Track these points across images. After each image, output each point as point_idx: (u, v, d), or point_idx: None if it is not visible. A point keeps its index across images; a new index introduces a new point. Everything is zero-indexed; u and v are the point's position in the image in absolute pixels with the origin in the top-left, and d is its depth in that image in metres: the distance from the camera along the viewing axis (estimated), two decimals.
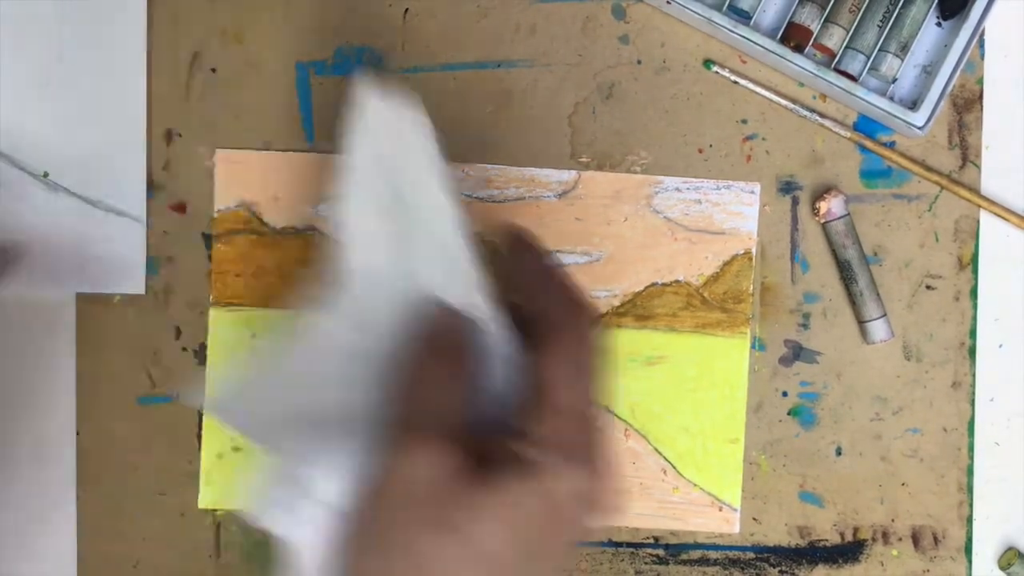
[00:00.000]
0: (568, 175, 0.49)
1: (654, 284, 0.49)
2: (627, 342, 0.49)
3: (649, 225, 0.49)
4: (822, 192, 0.48)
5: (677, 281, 0.49)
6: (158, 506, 0.48)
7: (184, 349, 0.48)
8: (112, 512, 0.48)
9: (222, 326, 0.48)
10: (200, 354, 0.48)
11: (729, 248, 0.49)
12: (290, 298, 0.48)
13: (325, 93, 0.48)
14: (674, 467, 0.49)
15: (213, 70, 0.48)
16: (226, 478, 0.48)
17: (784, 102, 0.48)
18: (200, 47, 0.48)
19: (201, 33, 0.48)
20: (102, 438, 0.48)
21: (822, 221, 0.48)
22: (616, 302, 0.49)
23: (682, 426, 0.49)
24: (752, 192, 0.49)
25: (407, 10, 0.48)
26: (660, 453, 0.49)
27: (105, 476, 0.48)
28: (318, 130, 0.48)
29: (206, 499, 0.48)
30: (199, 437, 0.48)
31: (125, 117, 0.48)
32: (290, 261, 0.48)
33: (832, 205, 0.47)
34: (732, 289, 0.49)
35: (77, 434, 0.48)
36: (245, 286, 0.48)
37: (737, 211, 0.49)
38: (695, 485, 0.49)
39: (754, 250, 0.49)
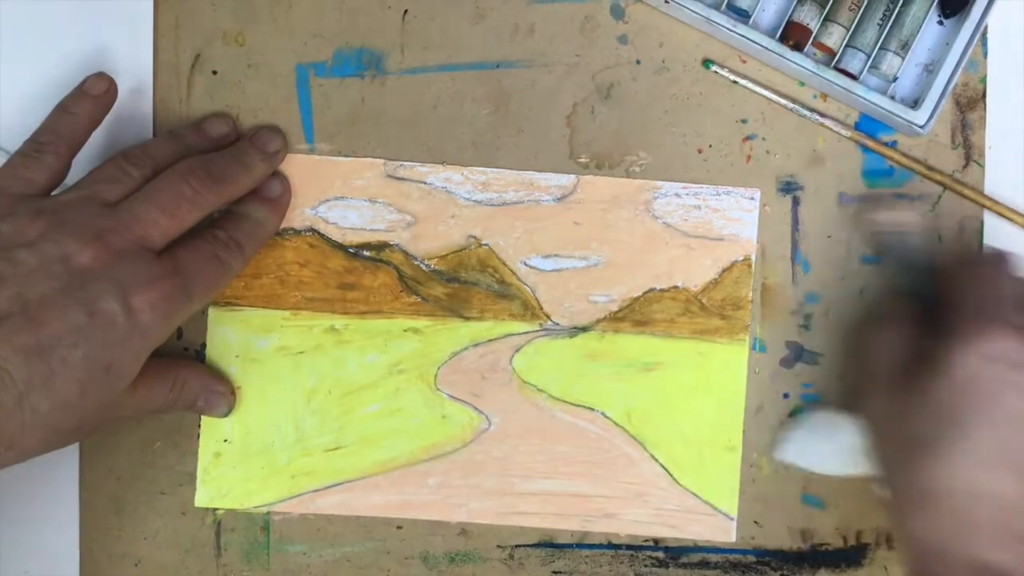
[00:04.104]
0: (567, 179, 0.49)
1: (652, 290, 0.49)
2: (624, 348, 0.48)
3: (648, 230, 0.49)
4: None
5: (675, 287, 0.49)
6: (159, 505, 0.48)
7: (186, 349, 0.49)
8: (113, 511, 0.48)
9: (222, 326, 0.48)
10: (201, 354, 0.48)
11: (728, 254, 0.49)
12: (289, 298, 0.48)
13: (325, 94, 0.48)
14: (670, 474, 0.48)
15: (214, 72, 0.49)
16: (222, 477, 0.48)
17: (784, 102, 0.48)
18: (201, 49, 0.48)
19: (202, 36, 0.48)
20: (104, 437, 0.48)
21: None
22: (614, 307, 0.48)
23: (679, 433, 0.48)
24: (752, 198, 0.49)
25: (406, 11, 0.48)
26: (656, 460, 0.48)
27: (107, 475, 0.48)
28: (318, 131, 0.48)
29: (203, 498, 0.48)
30: (199, 437, 0.48)
31: (132, 119, 0.48)
32: (289, 262, 0.48)
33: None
34: (731, 295, 0.48)
35: None
36: (245, 286, 0.48)
37: (737, 217, 0.49)
38: (692, 493, 0.48)
39: (754, 257, 0.49)
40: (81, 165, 0.45)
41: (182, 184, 0.43)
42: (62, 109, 0.45)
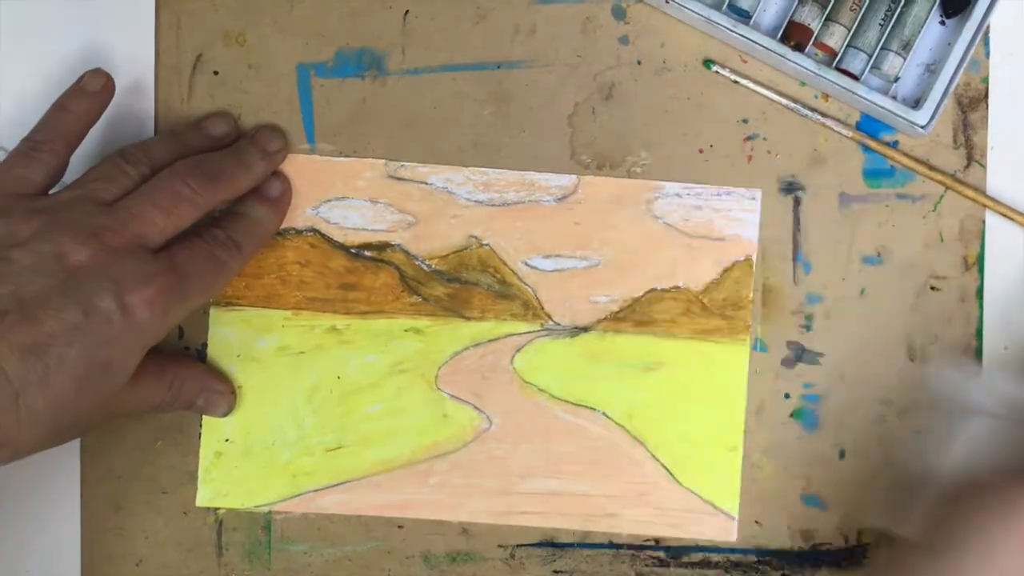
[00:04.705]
0: (568, 179, 0.49)
1: (653, 290, 0.49)
2: (625, 348, 0.48)
3: (649, 230, 0.49)
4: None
5: (677, 287, 0.49)
6: (160, 504, 0.49)
7: (187, 348, 0.49)
8: (114, 510, 0.48)
9: (223, 326, 0.48)
10: (202, 353, 0.48)
11: (729, 254, 0.49)
12: (290, 298, 0.48)
13: (326, 95, 0.48)
14: (672, 474, 0.48)
15: (215, 72, 0.49)
16: (224, 477, 0.48)
17: (785, 102, 0.48)
18: (202, 50, 0.49)
19: (203, 36, 0.48)
20: (105, 436, 0.48)
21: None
22: (615, 307, 0.48)
23: (680, 433, 0.48)
24: (753, 199, 0.49)
25: (407, 12, 0.48)
26: (658, 460, 0.48)
27: (107, 474, 0.48)
28: (319, 132, 0.48)
29: (204, 497, 0.48)
30: (200, 436, 0.48)
31: (133, 120, 0.48)
32: (291, 262, 0.48)
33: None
34: (732, 296, 0.49)
35: None
36: (246, 286, 0.48)
37: (738, 217, 0.49)
38: (693, 492, 0.48)
39: (755, 257, 0.49)
40: (82, 166, 0.45)
41: (180, 183, 0.43)
42: (59, 106, 0.45)
